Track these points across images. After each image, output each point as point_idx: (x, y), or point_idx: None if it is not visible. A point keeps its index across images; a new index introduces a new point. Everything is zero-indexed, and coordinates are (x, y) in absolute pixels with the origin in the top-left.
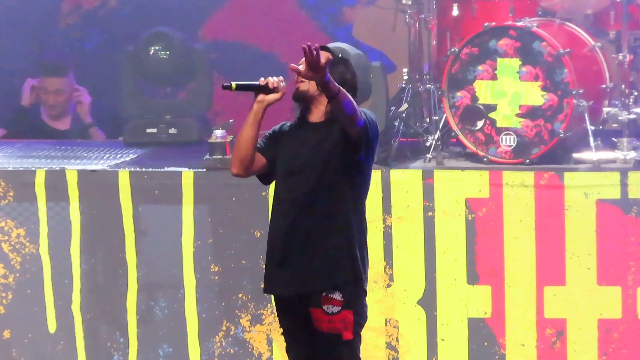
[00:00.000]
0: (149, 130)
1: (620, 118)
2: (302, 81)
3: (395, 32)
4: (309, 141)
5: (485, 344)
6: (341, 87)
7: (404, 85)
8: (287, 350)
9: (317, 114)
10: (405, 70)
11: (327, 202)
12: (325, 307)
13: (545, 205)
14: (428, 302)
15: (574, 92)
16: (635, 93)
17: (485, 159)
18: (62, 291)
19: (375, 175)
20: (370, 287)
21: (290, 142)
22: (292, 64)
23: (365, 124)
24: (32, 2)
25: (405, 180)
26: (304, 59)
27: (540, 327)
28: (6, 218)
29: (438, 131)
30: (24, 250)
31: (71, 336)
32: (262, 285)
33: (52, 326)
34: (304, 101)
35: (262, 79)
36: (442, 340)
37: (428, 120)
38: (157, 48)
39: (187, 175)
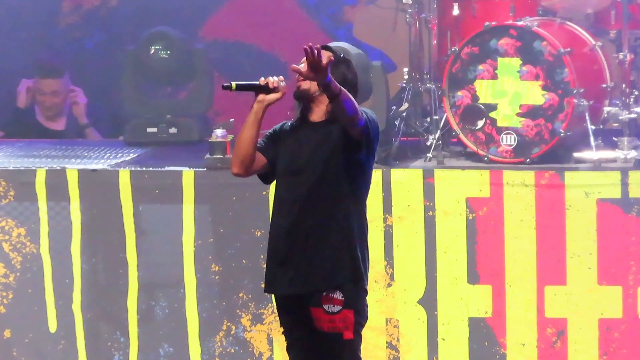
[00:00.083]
0: (149, 130)
1: (620, 117)
2: (304, 80)
3: (395, 32)
4: (310, 141)
5: (486, 343)
6: (342, 88)
7: (404, 85)
8: (288, 350)
9: (318, 113)
10: (405, 69)
11: (328, 201)
12: (325, 307)
13: (546, 205)
14: (429, 301)
15: (574, 92)
16: (636, 92)
17: (485, 159)
18: (62, 291)
19: (376, 175)
20: (370, 286)
21: (291, 142)
22: (294, 65)
23: (366, 124)
24: (32, 2)
25: (405, 180)
26: (305, 58)
27: (540, 326)
28: (7, 217)
29: (439, 130)
30: (24, 250)
31: (72, 336)
32: (263, 285)
33: (52, 326)
34: (305, 100)
35: (262, 78)
36: (443, 339)
37: (428, 119)
38: (158, 48)
39: (188, 175)
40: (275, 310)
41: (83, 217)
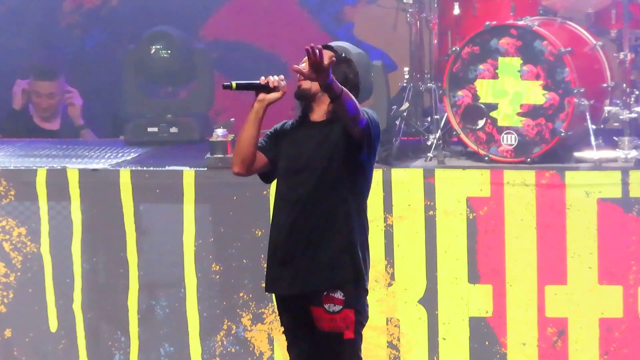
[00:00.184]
0: (150, 129)
1: (621, 117)
2: (304, 79)
3: (396, 31)
4: (311, 140)
5: (487, 343)
6: (344, 88)
7: (405, 84)
8: (289, 350)
9: (319, 113)
10: (406, 69)
11: (329, 201)
12: (326, 306)
13: (547, 204)
14: (429, 301)
15: (575, 91)
16: (637, 92)
17: (486, 158)
18: (63, 290)
19: (377, 174)
20: (371, 286)
21: (292, 141)
22: (295, 65)
23: (368, 124)
24: (32, 2)
25: (406, 179)
26: (306, 57)
27: (541, 326)
28: (7, 217)
29: (439, 130)
30: (25, 249)
31: (72, 335)
32: (264, 284)
33: (53, 325)
34: (306, 99)
35: (263, 78)
36: (444, 339)
37: (429, 119)
38: (159, 47)
39: (188, 174)
40: (276, 310)
41: (84, 216)
